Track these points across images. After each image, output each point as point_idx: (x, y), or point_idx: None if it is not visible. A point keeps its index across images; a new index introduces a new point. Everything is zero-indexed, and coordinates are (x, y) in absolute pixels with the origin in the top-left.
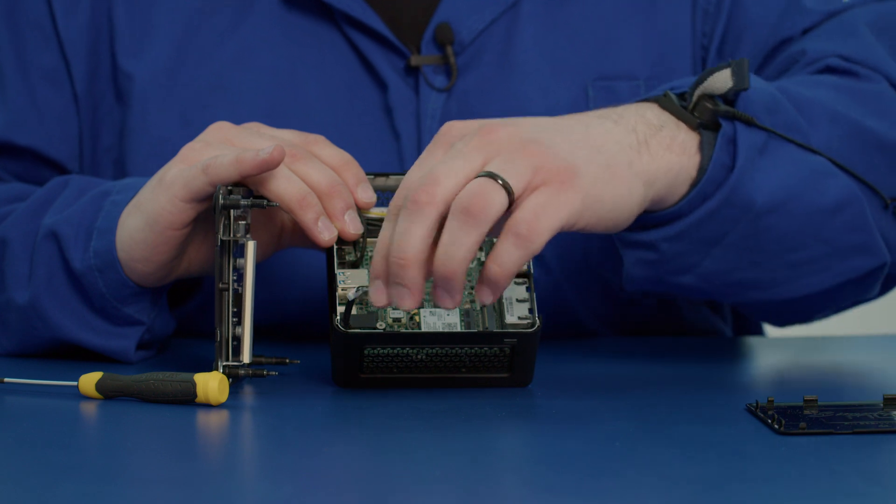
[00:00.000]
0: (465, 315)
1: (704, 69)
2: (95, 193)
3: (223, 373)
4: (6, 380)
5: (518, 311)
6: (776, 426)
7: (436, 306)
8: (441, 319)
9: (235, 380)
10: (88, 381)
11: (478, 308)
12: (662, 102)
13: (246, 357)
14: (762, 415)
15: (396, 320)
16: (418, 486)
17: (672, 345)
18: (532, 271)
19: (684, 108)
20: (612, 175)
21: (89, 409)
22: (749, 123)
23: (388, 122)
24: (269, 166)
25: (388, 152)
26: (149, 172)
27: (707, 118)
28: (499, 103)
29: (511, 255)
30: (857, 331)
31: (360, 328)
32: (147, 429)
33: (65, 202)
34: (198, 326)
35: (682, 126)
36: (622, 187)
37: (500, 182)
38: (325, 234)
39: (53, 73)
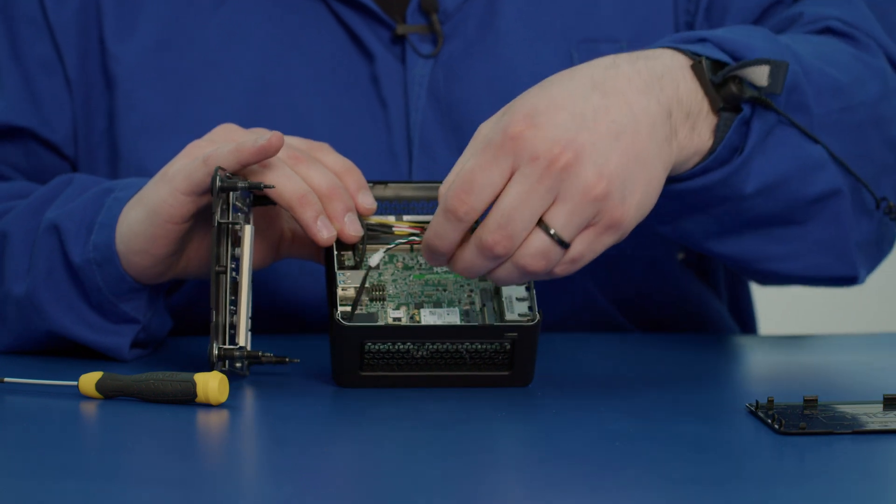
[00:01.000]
0: (465, 315)
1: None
2: (98, 190)
3: (218, 356)
4: (6, 380)
5: (518, 308)
6: (776, 426)
7: (436, 306)
8: (441, 318)
9: (230, 366)
10: (88, 381)
11: (477, 308)
12: (696, 68)
13: (242, 341)
14: (762, 415)
15: (396, 320)
16: (418, 487)
17: (672, 344)
18: None
19: (713, 83)
20: (651, 187)
21: (89, 409)
22: (767, 107)
23: (376, 92)
24: (268, 153)
25: (376, 122)
26: (139, 151)
27: (729, 102)
28: (484, 69)
29: (550, 276)
30: (858, 330)
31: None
32: (147, 429)
33: (67, 198)
34: (190, 320)
35: (705, 108)
36: (655, 192)
37: (559, 244)
38: (324, 232)
39: (47, 62)
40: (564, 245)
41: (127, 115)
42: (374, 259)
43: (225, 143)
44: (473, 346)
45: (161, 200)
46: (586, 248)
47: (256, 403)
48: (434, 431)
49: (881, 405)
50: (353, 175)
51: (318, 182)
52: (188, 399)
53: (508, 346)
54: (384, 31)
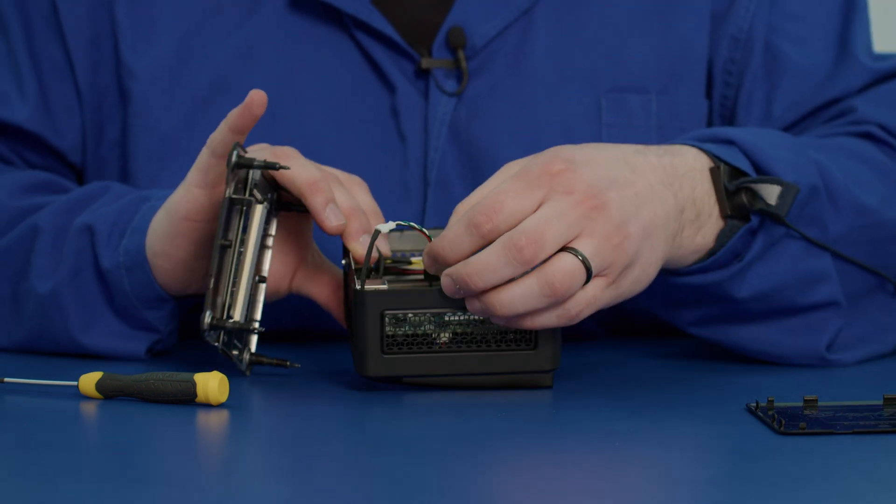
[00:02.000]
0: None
1: (736, 102)
2: (135, 197)
3: (210, 324)
4: (6, 380)
5: None
6: (776, 426)
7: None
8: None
9: (222, 342)
10: (88, 381)
11: None
12: (713, 172)
13: (237, 316)
14: (762, 415)
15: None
16: (418, 487)
17: (672, 345)
18: None
19: (727, 190)
20: (650, 268)
21: (89, 409)
22: (777, 221)
23: (395, 125)
24: (252, 109)
25: (393, 155)
26: (151, 170)
27: (737, 211)
28: (509, 110)
29: (549, 321)
30: None
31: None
32: (147, 429)
33: (103, 204)
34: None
35: (715, 213)
36: (650, 277)
37: (587, 270)
38: (332, 219)
39: (60, 66)
40: (589, 273)
41: (140, 137)
42: (385, 227)
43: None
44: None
45: (178, 198)
46: (598, 292)
47: (256, 403)
48: (433, 431)
49: (881, 405)
50: (376, 219)
51: (339, 200)
52: (188, 399)
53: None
54: (408, 63)
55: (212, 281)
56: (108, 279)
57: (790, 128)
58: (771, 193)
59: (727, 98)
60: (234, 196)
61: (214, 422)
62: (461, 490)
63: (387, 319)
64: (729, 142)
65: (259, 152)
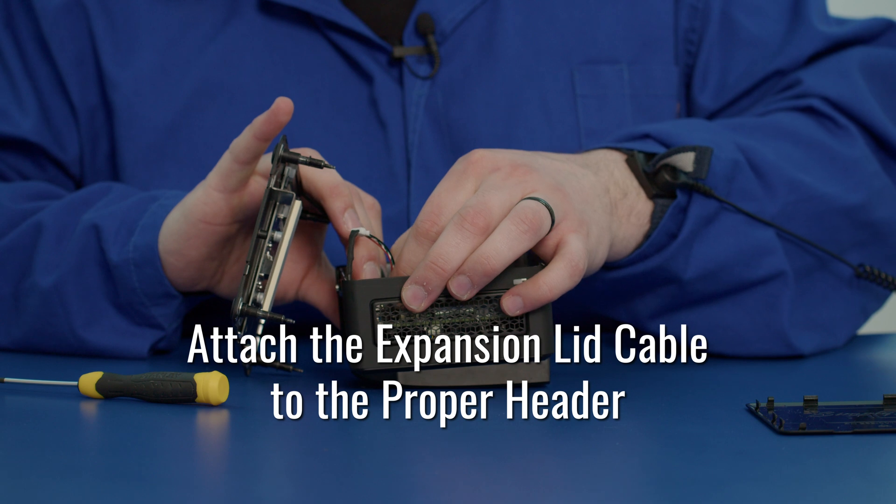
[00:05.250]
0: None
1: (693, 70)
2: (144, 196)
3: (241, 311)
4: (6, 380)
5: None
6: (776, 426)
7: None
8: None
9: (247, 329)
10: (88, 381)
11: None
12: (629, 161)
13: (266, 307)
14: (762, 415)
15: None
16: (418, 487)
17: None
18: None
19: (646, 173)
20: (601, 230)
21: (89, 409)
22: (706, 194)
23: (375, 113)
24: (278, 116)
25: (375, 143)
26: (140, 179)
27: (664, 189)
28: (484, 90)
29: (563, 281)
30: (858, 330)
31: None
32: (147, 429)
33: (108, 202)
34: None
35: (642, 194)
36: (607, 245)
37: (549, 210)
38: (350, 224)
39: (55, 83)
40: (552, 214)
41: (127, 147)
42: (365, 232)
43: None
44: (488, 315)
45: (196, 199)
46: (572, 235)
47: (256, 403)
48: (433, 432)
49: (881, 405)
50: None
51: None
52: (188, 399)
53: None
54: (381, 54)
55: (247, 268)
56: (114, 274)
57: (743, 96)
58: (686, 161)
59: (688, 66)
60: (274, 188)
61: (214, 422)
62: (461, 490)
63: (377, 309)
64: (644, 136)
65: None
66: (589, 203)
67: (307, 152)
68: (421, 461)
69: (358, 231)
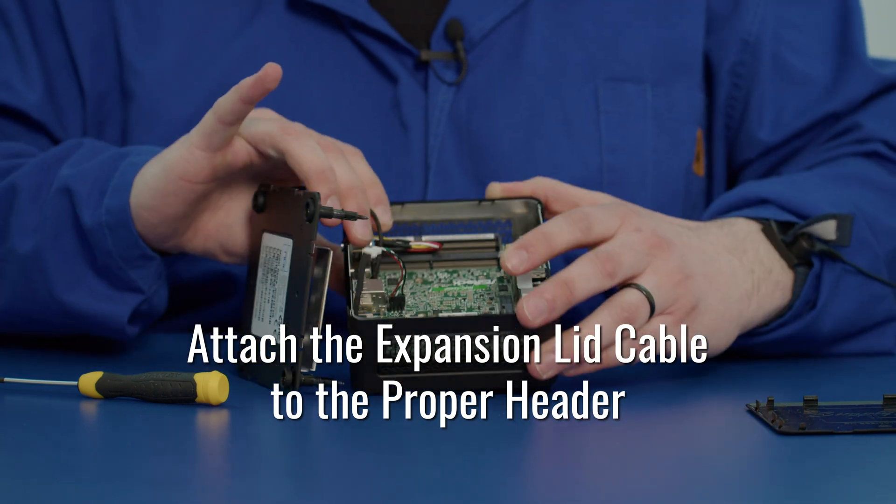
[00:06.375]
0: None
1: (747, 106)
2: (113, 154)
3: (300, 379)
4: (6, 380)
5: None
6: (776, 426)
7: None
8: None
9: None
10: (88, 381)
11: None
12: (766, 231)
13: (313, 364)
14: (762, 415)
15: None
16: (418, 487)
17: None
18: (550, 269)
19: (785, 242)
20: (726, 322)
21: (89, 409)
22: (834, 258)
23: (396, 114)
24: (265, 83)
25: (394, 144)
26: None
27: (801, 258)
28: (508, 101)
29: (619, 355)
30: None
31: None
32: (147, 429)
33: (80, 159)
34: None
35: (784, 266)
36: (724, 336)
37: (650, 302)
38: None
39: (65, 61)
40: (652, 307)
41: (140, 134)
42: (374, 251)
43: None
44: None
45: (177, 156)
46: (662, 327)
47: (256, 403)
48: (433, 432)
49: (881, 405)
50: (375, 189)
51: (339, 175)
52: (188, 399)
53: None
54: (407, 57)
55: (306, 336)
56: (90, 239)
57: (799, 135)
58: (828, 229)
59: (736, 100)
60: (320, 248)
61: (214, 422)
62: (461, 490)
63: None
64: (763, 201)
65: (268, 123)
66: (720, 290)
67: (271, 125)
68: (421, 461)
69: (369, 254)
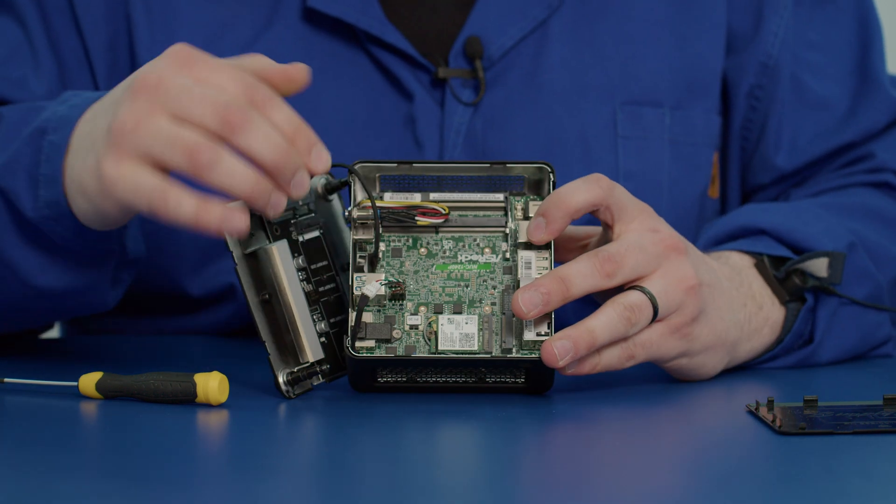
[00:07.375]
0: (485, 323)
1: (764, 130)
2: (31, 132)
3: (288, 380)
4: (6, 380)
5: (538, 327)
6: (776, 426)
7: (455, 311)
8: (459, 329)
9: (303, 385)
10: (88, 381)
11: (498, 314)
12: (759, 266)
13: (310, 357)
14: (762, 415)
15: (413, 327)
16: (419, 487)
17: None
18: None
19: (777, 278)
20: (720, 345)
21: (89, 409)
22: (830, 293)
23: (411, 131)
24: (292, 77)
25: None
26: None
27: (792, 294)
28: (525, 121)
29: (612, 358)
30: None
31: (374, 340)
32: (147, 429)
33: (1, 140)
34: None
35: (775, 302)
36: (715, 357)
37: (654, 306)
38: (272, 211)
39: (80, 56)
40: (656, 311)
41: None
42: (370, 289)
43: (177, 193)
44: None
45: (103, 207)
46: (659, 336)
47: (256, 403)
48: (433, 433)
49: (881, 405)
50: (302, 134)
51: (260, 153)
52: (188, 399)
53: (524, 373)
54: (424, 73)
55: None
56: (41, 227)
57: (815, 163)
58: (820, 267)
59: (752, 122)
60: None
61: (214, 422)
62: (461, 491)
63: (379, 379)
64: (761, 231)
65: (232, 89)
66: (719, 307)
67: (231, 119)
68: (421, 461)
69: (367, 295)
